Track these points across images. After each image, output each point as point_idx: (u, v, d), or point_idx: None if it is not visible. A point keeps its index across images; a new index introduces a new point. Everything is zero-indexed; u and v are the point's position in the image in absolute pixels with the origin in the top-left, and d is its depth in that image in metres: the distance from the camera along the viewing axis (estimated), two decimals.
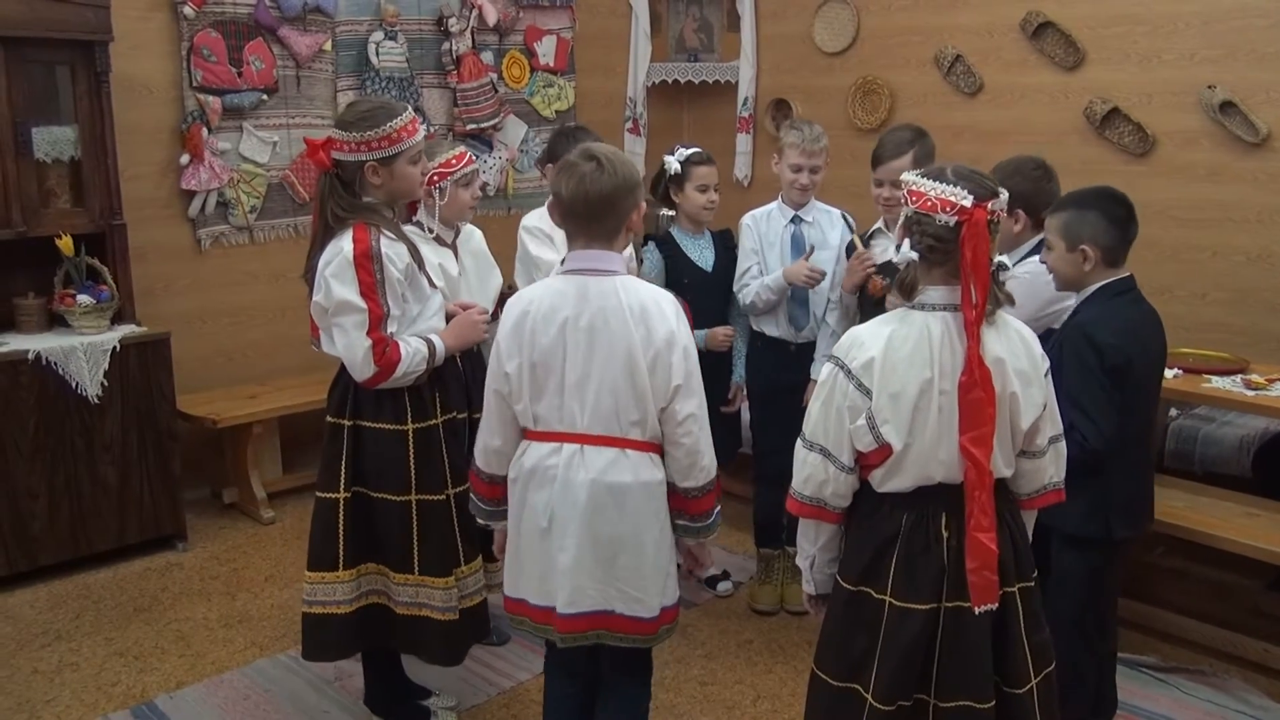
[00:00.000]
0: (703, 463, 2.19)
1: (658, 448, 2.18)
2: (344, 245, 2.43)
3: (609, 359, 2.10)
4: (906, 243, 1.92)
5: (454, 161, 2.94)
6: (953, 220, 1.86)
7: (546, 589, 2.19)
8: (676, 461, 2.18)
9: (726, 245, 3.53)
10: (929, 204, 1.88)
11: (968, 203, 1.85)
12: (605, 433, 2.13)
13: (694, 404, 2.15)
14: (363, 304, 2.42)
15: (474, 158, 3.04)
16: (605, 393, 2.11)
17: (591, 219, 2.13)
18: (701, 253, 3.49)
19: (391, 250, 2.47)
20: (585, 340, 2.11)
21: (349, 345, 2.46)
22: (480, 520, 2.39)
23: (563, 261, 2.23)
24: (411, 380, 2.53)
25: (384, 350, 2.45)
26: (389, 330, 2.47)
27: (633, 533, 2.15)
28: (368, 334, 2.43)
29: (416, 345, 2.52)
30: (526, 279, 3.15)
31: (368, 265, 2.42)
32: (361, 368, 2.46)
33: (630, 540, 2.16)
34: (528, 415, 2.18)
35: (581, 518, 2.13)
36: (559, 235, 3.08)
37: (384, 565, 2.63)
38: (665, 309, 2.15)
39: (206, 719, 2.93)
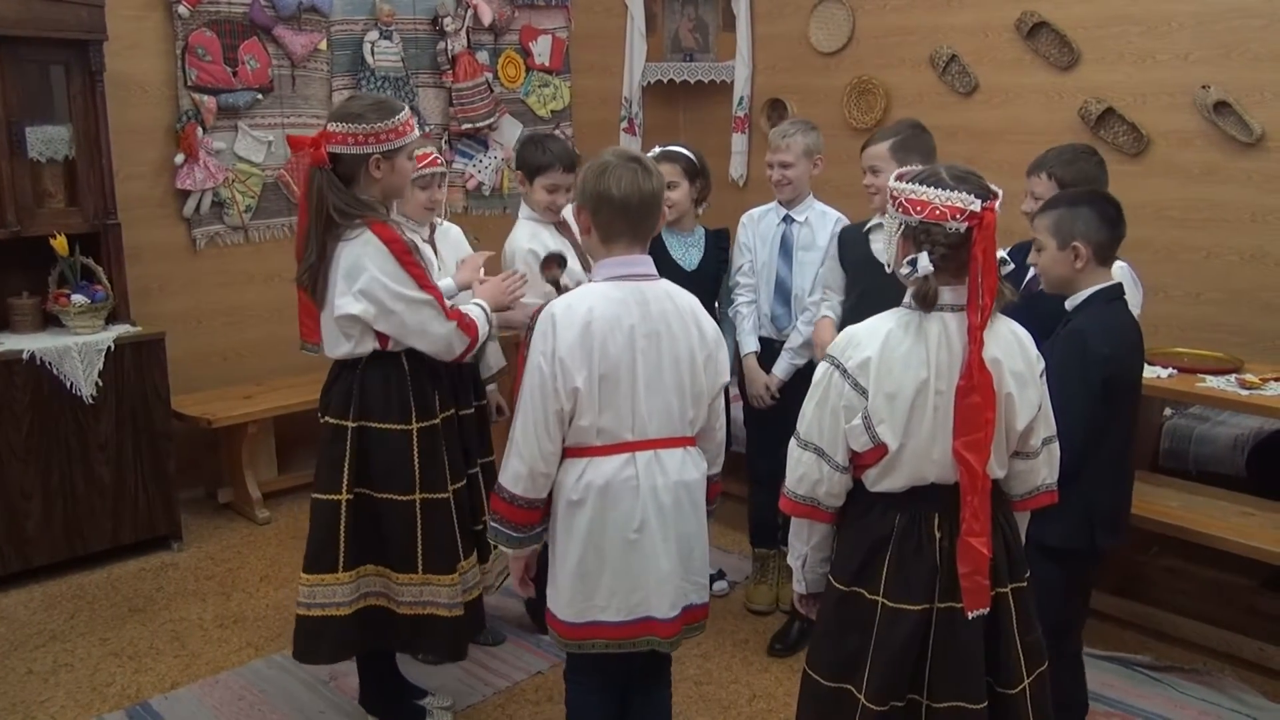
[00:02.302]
0: (723, 449, 2.36)
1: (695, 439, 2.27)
2: (376, 247, 2.42)
3: (674, 363, 2.16)
4: (923, 257, 1.85)
5: (417, 161, 2.84)
6: (964, 226, 1.83)
7: (634, 602, 2.17)
8: (707, 453, 2.29)
9: (718, 245, 3.49)
10: (937, 212, 1.84)
11: (976, 207, 1.82)
12: (670, 434, 2.18)
13: (724, 397, 2.31)
14: (428, 295, 2.48)
15: (441, 161, 3.08)
16: (671, 396, 2.16)
17: (642, 219, 2.15)
18: (686, 251, 3.44)
19: (413, 239, 2.53)
20: (653, 346, 2.14)
21: (439, 337, 2.50)
22: (507, 549, 2.24)
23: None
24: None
25: (463, 321, 2.52)
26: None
27: (701, 524, 2.25)
28: (448, 318, 2.50)
29: (476, 311, 2.60)
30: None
31: (410, 258, 2.46)
32: (457, 347, 2.53)
33: (700, 531, 2.25)
34: (591, 431, 2.12)
35: (669, 520, 2.17)
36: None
37: (385, 566, 2.62)
38: (704, 309, 2.24)
39: (201, 719, 2.94)
